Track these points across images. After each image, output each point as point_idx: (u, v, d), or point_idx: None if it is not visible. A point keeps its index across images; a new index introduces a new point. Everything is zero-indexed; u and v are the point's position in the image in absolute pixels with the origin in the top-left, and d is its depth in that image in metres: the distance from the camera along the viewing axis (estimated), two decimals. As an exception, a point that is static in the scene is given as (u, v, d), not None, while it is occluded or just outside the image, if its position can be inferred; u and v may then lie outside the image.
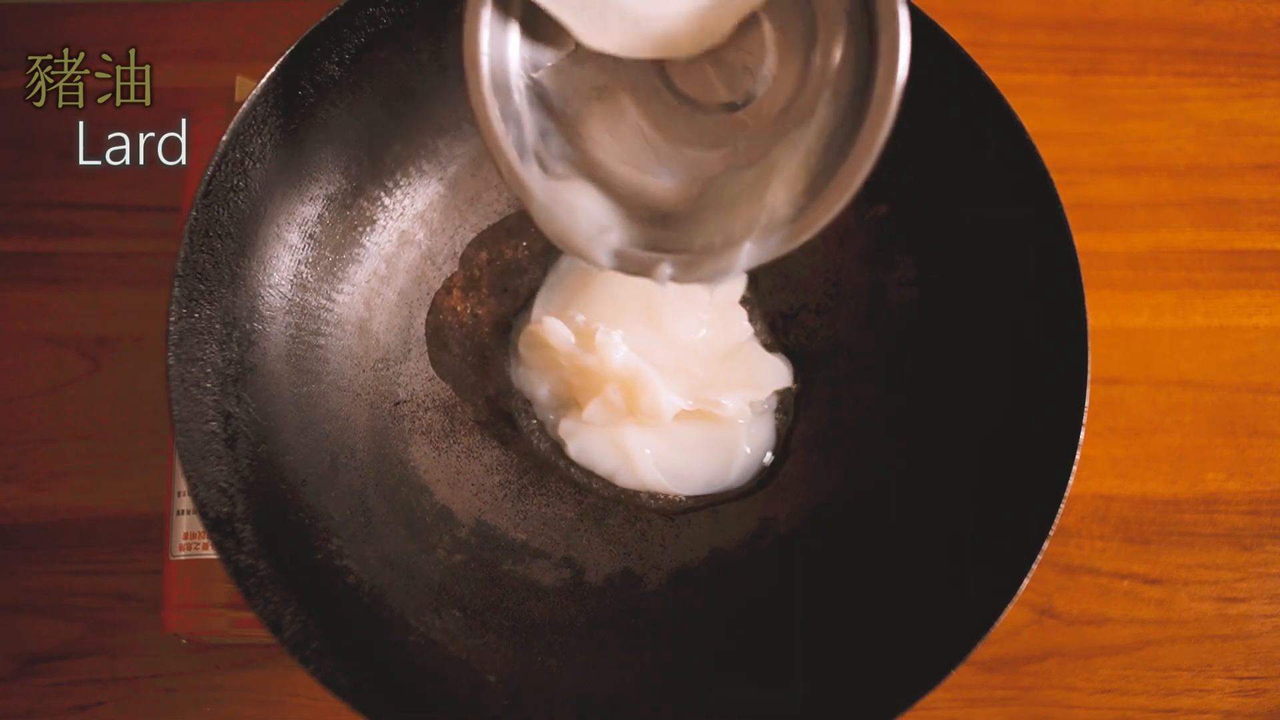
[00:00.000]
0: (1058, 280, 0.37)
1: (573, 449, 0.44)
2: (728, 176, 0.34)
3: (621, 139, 0.35)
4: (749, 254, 0.32)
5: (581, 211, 0.33)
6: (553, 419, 0.45)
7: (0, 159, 0.50)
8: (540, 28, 0.33)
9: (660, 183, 0.35)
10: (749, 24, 0.32)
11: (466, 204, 0.46)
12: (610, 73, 0.34)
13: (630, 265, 0.33)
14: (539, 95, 0.34)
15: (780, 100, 0.33)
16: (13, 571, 0.45)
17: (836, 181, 0.30)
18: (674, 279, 0.33)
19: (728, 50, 0.33)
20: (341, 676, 0.33)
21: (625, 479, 0.44)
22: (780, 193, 0.32)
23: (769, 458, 0.44)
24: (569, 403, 0.45)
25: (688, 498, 0.44)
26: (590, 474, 0.44)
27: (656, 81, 0.34)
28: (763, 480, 0.44)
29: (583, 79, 0.35)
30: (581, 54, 0.34)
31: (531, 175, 0.33)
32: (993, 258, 0.40)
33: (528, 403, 0.45)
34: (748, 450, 0.44)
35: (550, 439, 0.44)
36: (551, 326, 0.43)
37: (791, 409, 0.45)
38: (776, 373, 0.45)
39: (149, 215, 0.49)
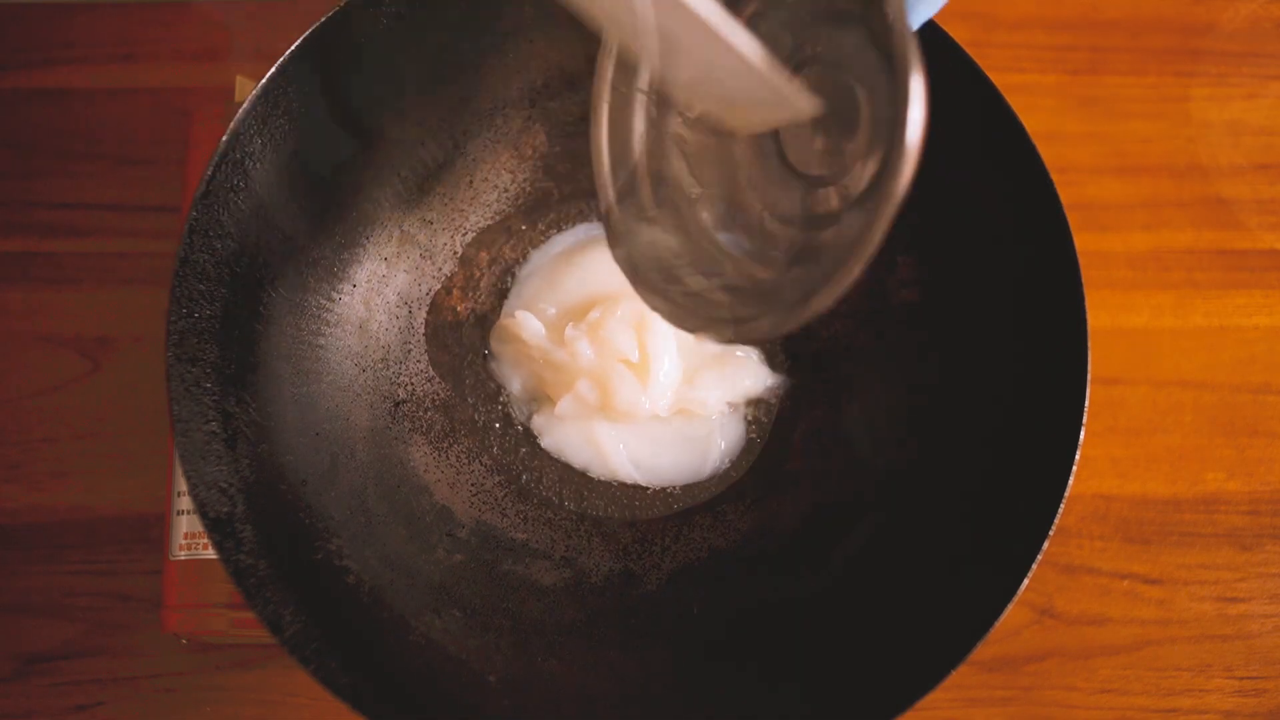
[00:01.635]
0: (1058, 280, 0.37)
1: (546, 442, 0.44)
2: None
3: (722, 187, 0.35)
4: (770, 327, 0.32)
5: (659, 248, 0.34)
6: (527, 412, 0.45)
7: (0, 159, 0.50)
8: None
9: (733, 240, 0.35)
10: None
11: (466, 204, 0.46)
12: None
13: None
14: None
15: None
16: (13, 571, 0.45)
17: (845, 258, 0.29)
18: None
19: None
20: (341, 676, 0.33)
21: (598, 471, 0.44)
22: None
23: (739, 452, 0.45)
24: (541, 397, 0.45)
25: (686, 500, 0.44)
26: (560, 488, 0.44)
27: (770, 142, 0.34)
28: (762, 480, 0.44)
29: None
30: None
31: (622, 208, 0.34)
32: (993, 258, 0.40)
33: (504, 396, 0.45)
34: (722, 445, 0.44)
35: (525, 431, 0.45)
36: (523, 320, 0.43)
37: (791, 409, 0.45)
38: (756, 371, 0.45)
39: (149, 215, 0.49)
